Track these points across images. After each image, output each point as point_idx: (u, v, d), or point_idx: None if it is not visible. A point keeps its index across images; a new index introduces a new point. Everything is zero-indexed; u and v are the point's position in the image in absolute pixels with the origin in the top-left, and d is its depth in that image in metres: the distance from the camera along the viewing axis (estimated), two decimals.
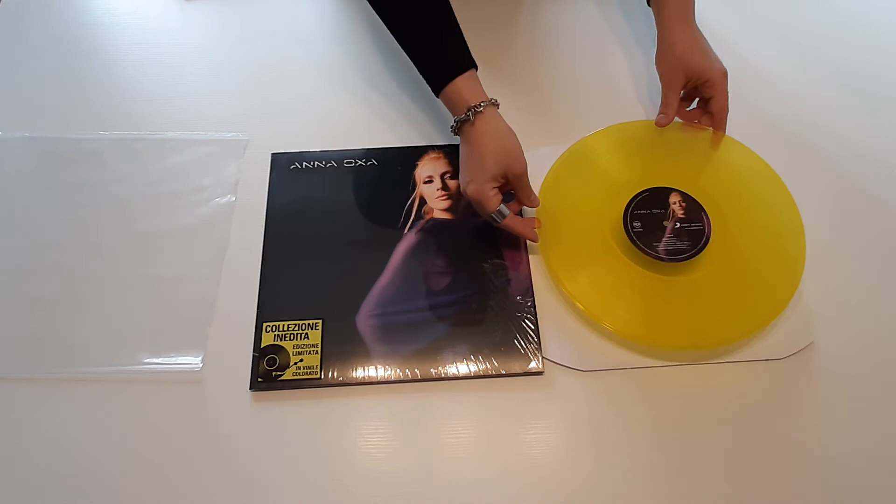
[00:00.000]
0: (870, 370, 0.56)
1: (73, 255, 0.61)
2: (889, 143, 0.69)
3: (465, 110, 0.57)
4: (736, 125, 0.67)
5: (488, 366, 0.55)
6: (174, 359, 0.55)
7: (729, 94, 0.64)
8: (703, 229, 0.58)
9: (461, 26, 0.61)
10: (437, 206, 0.63)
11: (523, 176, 0.58)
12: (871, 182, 0.66)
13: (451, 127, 0.60)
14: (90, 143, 0.67)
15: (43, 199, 0.64)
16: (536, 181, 0.65)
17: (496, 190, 0.57)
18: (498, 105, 0.59)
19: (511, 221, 0.58)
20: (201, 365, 0.55)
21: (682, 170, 0.64)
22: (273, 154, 0.67)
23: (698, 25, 0.67)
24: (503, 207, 0.57)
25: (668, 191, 0.61)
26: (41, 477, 0.51)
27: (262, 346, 0.56)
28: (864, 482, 0.51)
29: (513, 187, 0.60)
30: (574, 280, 0.58)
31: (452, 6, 0.62)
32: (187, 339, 0.56)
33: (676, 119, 0.66)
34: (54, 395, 0.54)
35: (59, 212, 0.63)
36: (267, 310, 0.58)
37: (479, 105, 0.57)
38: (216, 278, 0.60)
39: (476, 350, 0.56)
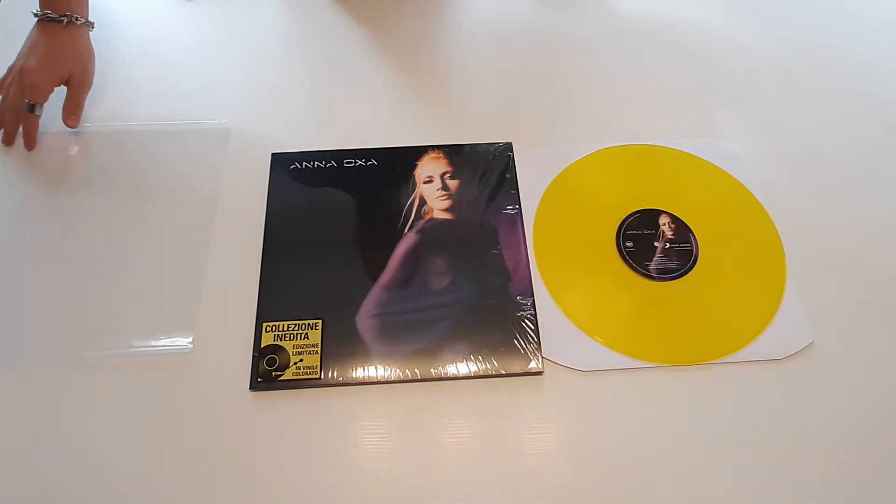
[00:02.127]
0: (870, 370, 0.56)
1: (62, 246, 0.62)
2: (888, 141, 0.69)
3: (68, 14, 0.65)
4: (727, 123, 0.67)
5: (488, 366, 0.55)
6: (165, 342, 0.56)
7: (720, 95, 0.64)
8: (692, 250, 0.61)
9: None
10: (437, 206, 0.63)
11: (85, 91, 0.67)
12: (871, 181, 0.66)
13: (40, 13, 0.65)
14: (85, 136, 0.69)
15: (26, 191, 0.65)
16: (537, 181, 0.65)
17: (53, 88, 0.65)
18: (93, 27, 0.68)
19: (30, 123, 0.66)
20: (192, 346, 0.56)
21: (669, 189, 0.65)
22: (273, 154, 0.67)
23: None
24: (42, 107, 0.66)
25: (657, 213, 0.63)
26: (34, 472, 0.51)
27: (262, 346, 0.56)
28: (864, 482, 0.51)
29: (70, 93, 0.67)
30: (571, 298, 0.59)
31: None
32: (175, 322, 0.57)
33: (664, 145, 0.67)
34: (48, 384, 0.54)
35: (44, 204, 0.64)
36: (267, 310, 0.58)
37: (80, 19, 0.66)
38: (202, 265, 0.60)
39: (476, 350, 0.56)
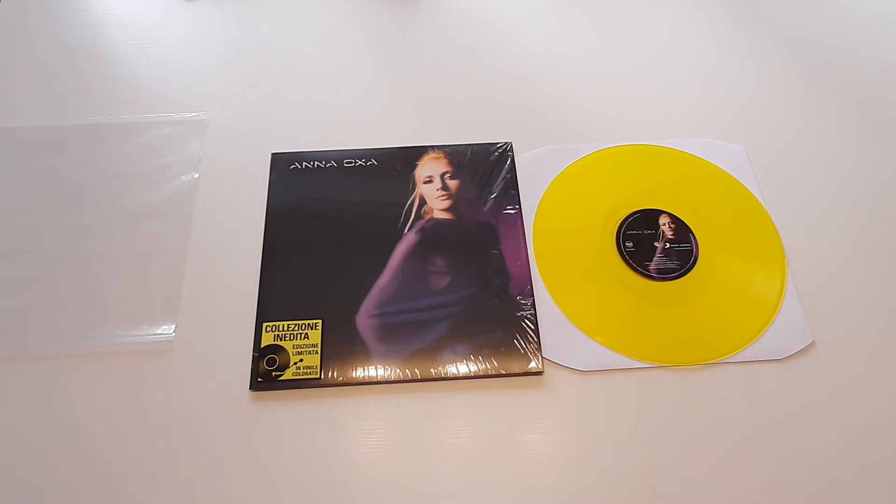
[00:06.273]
0: (871, 370, 0.56)
1: (38, 238, 0.62)
2: (889, 140, 0.69)
3: None
4: (727, 123, 0.67)
5: (488, 366, 0.55)
6: (148, 331, 0.57)
7: (720, 95, 0.64)
8: (692, 250, 0.61)
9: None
10: (437, 206, 0.64)
11: None
12: (872, 180, 0.66)
13: None
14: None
15: (1, 183, 0.65)
16: (537, 181, 0.65)
17: None
18: None
19: None
20: (174, 334, 0.56)
21: (669, 189, 0.65)
22: (273, 154, 0.67)
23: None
24: None
25: (657, 212, 0.63)
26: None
27: (262, 346, 0.56)
28: (864, 483, 0.51)
29: None
30: (571, 298, 0.59)
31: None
32: (158, 308, 0.58)
33: (664, 145, 0.66)
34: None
35: (21, 198, 0.64)
36: (267, 310, 0.58)
37: None
38: (184, 252, 0.61)
39: (476, 350, 0.56)
